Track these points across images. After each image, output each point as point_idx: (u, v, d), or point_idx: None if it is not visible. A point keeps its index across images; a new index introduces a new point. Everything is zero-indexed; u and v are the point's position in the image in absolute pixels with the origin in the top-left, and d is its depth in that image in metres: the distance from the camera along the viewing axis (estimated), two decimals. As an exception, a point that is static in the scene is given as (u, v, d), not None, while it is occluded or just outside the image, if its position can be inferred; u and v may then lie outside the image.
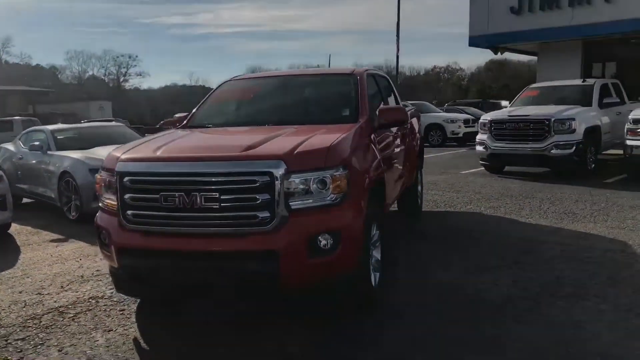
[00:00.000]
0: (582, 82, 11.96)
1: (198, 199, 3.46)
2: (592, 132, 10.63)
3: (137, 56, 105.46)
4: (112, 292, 4.71)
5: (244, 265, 3.48)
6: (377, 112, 4.69)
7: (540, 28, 15.90)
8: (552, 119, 10.30)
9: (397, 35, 39.72)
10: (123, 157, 3.83)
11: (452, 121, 20.00)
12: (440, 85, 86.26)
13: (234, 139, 4.30)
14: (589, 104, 11.12)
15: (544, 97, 11.92)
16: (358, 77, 5.14)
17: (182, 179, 3.54)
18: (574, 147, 10.19)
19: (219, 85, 5.58)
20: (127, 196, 3.68)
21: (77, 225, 7.75)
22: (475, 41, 17.45)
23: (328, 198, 3.52)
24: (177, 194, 3.51)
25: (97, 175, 4.04)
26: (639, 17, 14.24)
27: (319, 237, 3.49)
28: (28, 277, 5.37)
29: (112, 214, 3.85)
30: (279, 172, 3.41)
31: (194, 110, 5.28)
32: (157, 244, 3.63)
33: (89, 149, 8.52)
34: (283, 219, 3.43)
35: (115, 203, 3.77)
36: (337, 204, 3.54)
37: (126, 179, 3.68)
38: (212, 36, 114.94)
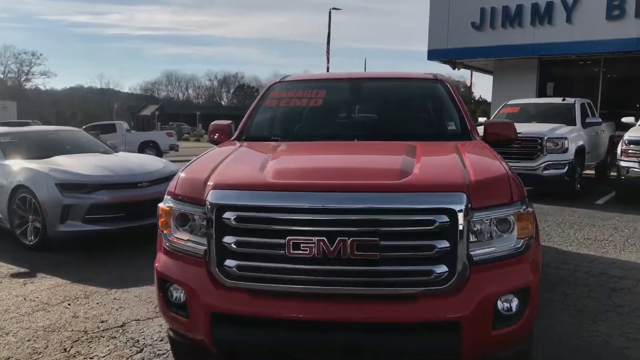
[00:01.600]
0: (562, 100, 11.81)
1: (348, 246, 2.42)
2: (580, 151, 10.44)
3: (41, 54, 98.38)
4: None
5: (412, 342, 2.47)
6: (485, 128, 3.86)
7: (500, 45, 15.87)
8: (545, 138, 9.95)
9: (328, 49, 39.60)
10: (217, 181, 2.69)
11: None
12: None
13: (355, 160, 3.23)
14: (572, 123, 10.92)
15: (524, 114, 11.64)
16: (447, 84, 4.26)
17: (325, 217, 2.47)
18: (566, 167, 9.90)
19: (270, 87, 4.45)
20: (229, 240, 2.56)
21: (39, 254, 6.22)
22: (434, 55, 17.18)
23: (513, 245, 2.61)
24: (315, 238, 2.44)
25: (162, 206, 2.86)
26: (595, 40, 14.51)
27: (505, 299, 2.57)
28: (9, 335, 3.96)
29: (194, 263, 2.70)
30: (461, 208, 2.45)
31: (245, 119, 4.13)
32: (277, 310, 2.52)
33: (46, 158, 7.00)
34: (463, 275, 2.48)
35: (204, 248, 2.63)
36: (521, 252, 2.63)
37: (230, 214, 2.55)
38: (125, 38, 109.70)
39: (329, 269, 2.46)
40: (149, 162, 7.44)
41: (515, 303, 2.59)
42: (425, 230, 2.45)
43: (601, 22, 14.43)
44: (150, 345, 3.72)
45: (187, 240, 2.73)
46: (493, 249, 2.56)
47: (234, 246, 2.54)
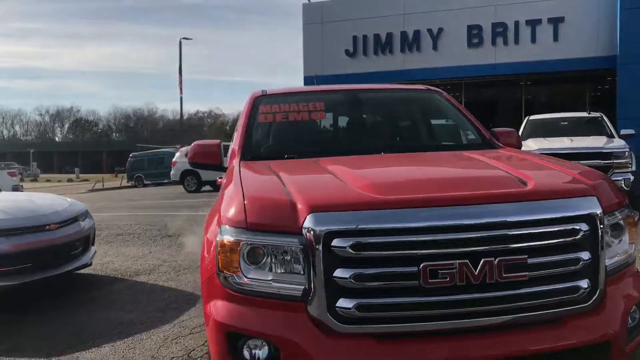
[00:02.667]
0: (588, 114, 11.55)
1: (494, 267, 2.03)
2: None
3: None
4: None
5: None
6: (495, 136, 3.72)
7: (373, 71, 16.50)
8: (613, 151, 9.05)
9: (180, 79, 38.50)
10: (314, 202, 2.13)
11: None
12: (205, 130, 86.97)
13: (444, 171, 2.84)
14: (608, 135, 10.38)
15: (551, 130, 10.76)
16: (443, 93, 4.07)
17: (465, 235, 2.05)
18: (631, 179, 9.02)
19: (254, 103, 3.81)
20: (343, 274, 2.02)
21: None
22: (310, 81, 17.33)
23: (629, 251, 2.42)
24: (456, 262, 2.01)
25: (223, 240, 2.20)
26: (457, 65, 15.76)
27: (634, 311, 2.36)
28: None
29: (284, 308, 2.10)
30: (599, 213, 2.21)
31: (241, 137, 3.49)
32: (408, 355, 2.02)
33: None
34: (603, 288, 2.22)
35: (303, 287, 2.06)
36: (634, 258, 2.46)
37: (342, 242, 2.02)
38: None
39: (474, 297, 2.04)
40: (53, 200, 6.24)
41: (637, 314, 2.39)
42: (570, 241, 2.15)
43: (463, 49, 15.70)
44: None
45: (272, 280, 2.12)
46: (617, 257, 2.34)
47: (352, 281, 2.01)
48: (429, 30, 16.01)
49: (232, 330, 2.16)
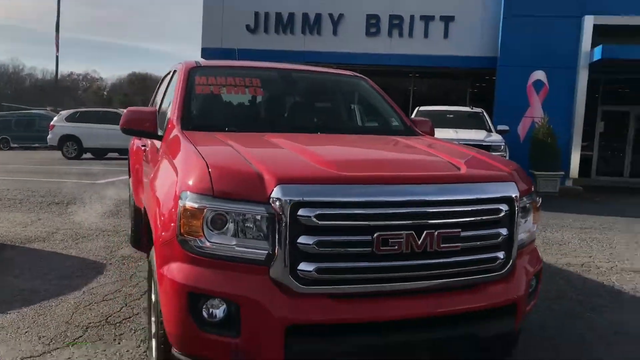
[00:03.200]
0: (471, 109, 12.53)
1: (435, 239, 2.34)
2: None
3: None
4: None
5: (485, 329, 2.51)
6: (410, 124, 4.07)
7: (274, 49, 16.52)
8: (491, 144, 10.01)
9: (57, 36, 35.66)
10: (282, 174, 2.29)
11: None
12: (80, 94, 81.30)
13: (388, 153, 3.06)
14: (487, 130, 11.49)
15: (438, 121, 10.74)
16: (369, 80, 4.34)
17: (413, 210, 2.33)
18: None
19: (188, 73, 3.75)
20: (307, 240, 2.20)
21: None
22: (208, 53, 16.93)
23: (533, 230, 2.87)
24: (404, 233, 2.29)
25: (189, 205, 2.29)
26: (355, 52, 16.31)
27: (532, 279, 2.81)
28: None
29: (246, 270, 2.25)
30: (517, 196, 2.60)
31: (179, 106, 3.48)
32: (359, 313, 2.28)
33: None
34: (514, 259, 2.63)
35: (266, 252, 2.22)
36: (535, 236, 2.92)
37: (309, 212, 2.20)
38: None
39: (417, 263, 2.34)
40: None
41: (534, 282, 2.85)
42: (493, 219, 2.51)
43: (361, 37, 16.26)
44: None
45: (235, 244, 2.25)
46: (524, 235, 2.76)
47: (315, 247, 2.20)
48: (330, 15, 16.35)
49: (192, 291, 2.26)
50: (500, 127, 11.76)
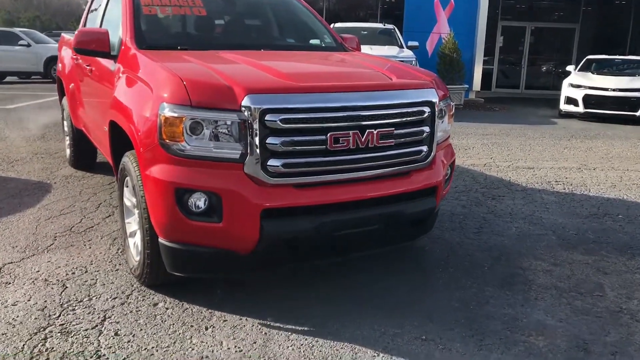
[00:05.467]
0: (384, 25, 12.83)
1: (374, 136, 2.90)
2: None
3: None
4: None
5: (414, 206, 3.15)
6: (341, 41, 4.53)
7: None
8: (404, 59, 10.19)
9: None
10: (249, 86, 2.70)
11: None
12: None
13: (333, 67, 3.55)
14: (399, 46, 12.08)
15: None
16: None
17: (358, 113, 2.85)
18: None
19: None
20: (274, 141, 2.68)
21: None
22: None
23: (448, 129, 3.51)
24: (351, 132, 2.83)
25: (169, 114, 2.67)
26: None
27: (448, 168, 3.49)
28: None
29: (224, 168, 2.71)
30: (437, 100, 3.20)
31: (129, 25, 3.68)
32: (318, 197, 2.83)
33: None
34: (434, 153, 3.27)
35: (240, 152, 2.69)
36: (449, 134, 3.57)
37: (274, 117, 2.66)
38: None
39: (357, 157, 2.89)
40: None
41: (449, 170, 3.53)
42: (418, 119, 3.10)
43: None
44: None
45: (213, 147, 2.69)
46: (441, 133, 3.39)
47: (281, 147, 2.69)
48: None
49: (179, 186, 2.69)
50: (410, 43, 12.43)
